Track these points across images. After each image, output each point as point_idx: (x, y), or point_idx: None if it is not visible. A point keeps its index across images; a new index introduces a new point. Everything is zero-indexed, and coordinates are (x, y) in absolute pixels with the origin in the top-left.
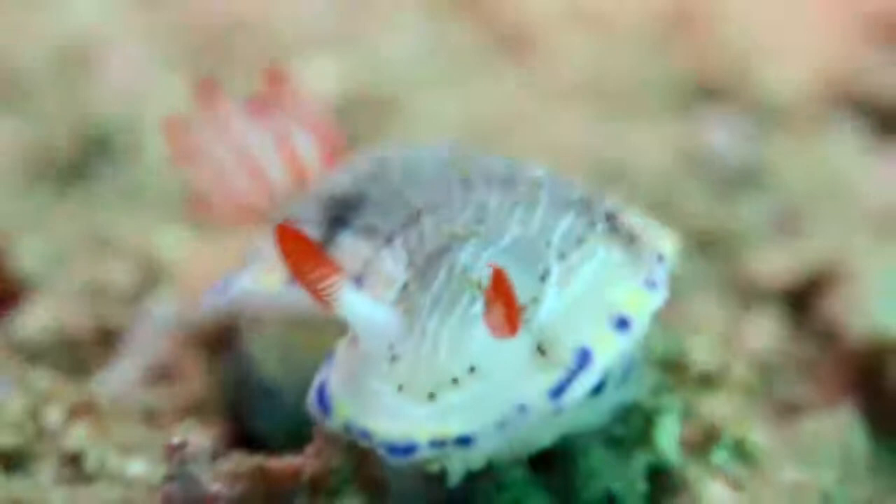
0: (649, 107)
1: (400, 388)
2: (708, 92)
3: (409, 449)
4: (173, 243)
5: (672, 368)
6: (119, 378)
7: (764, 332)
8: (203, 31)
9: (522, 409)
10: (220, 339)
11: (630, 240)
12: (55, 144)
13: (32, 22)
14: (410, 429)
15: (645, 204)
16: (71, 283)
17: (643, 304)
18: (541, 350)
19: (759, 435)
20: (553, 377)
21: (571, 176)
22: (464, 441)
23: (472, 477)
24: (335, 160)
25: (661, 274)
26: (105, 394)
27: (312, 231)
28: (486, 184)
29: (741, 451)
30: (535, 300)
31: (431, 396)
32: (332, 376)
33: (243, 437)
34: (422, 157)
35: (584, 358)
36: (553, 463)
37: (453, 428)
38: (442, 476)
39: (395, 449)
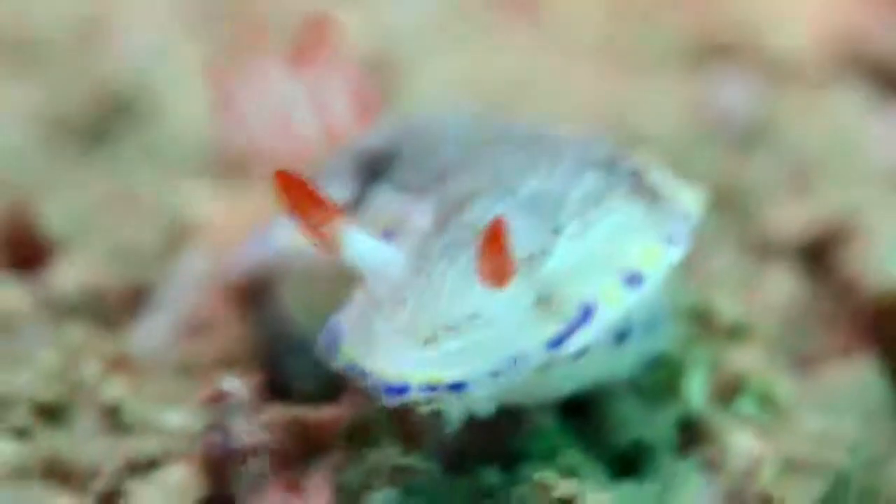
0: (660, 66)
1: (400, 330)
2: (718, 50)
3: (402, 390)
4: (201, 200)
5: (699, 320)
6: (153, 332)
7: (782, 286)
8: None
9: (518, 358)
10: (253, 293)
11: (653, 197)
12: (76, 108)
13: None
14: (405, 371)
15: (659, 162)
16: (99, 241)
17: (659, 260)
18: (542, 302)
19: (783, 385)
20: (552, 328)
21: (598, 135)
22: (456, 387)
23: (506, 426)
24: (368, 118)
25: (683, 230)
26: (139, 347)
27: (346, 186)
28: (512, 143)
29: (767, 401)
30: (544, 252)
31: (429, 341)
32: (344, 317)
33: (277, 390)
34: (450, 119)
35: (587, 312)
36: (585, 412)
37: (447, 374)
38: (478, 426)
39: (389, 389)
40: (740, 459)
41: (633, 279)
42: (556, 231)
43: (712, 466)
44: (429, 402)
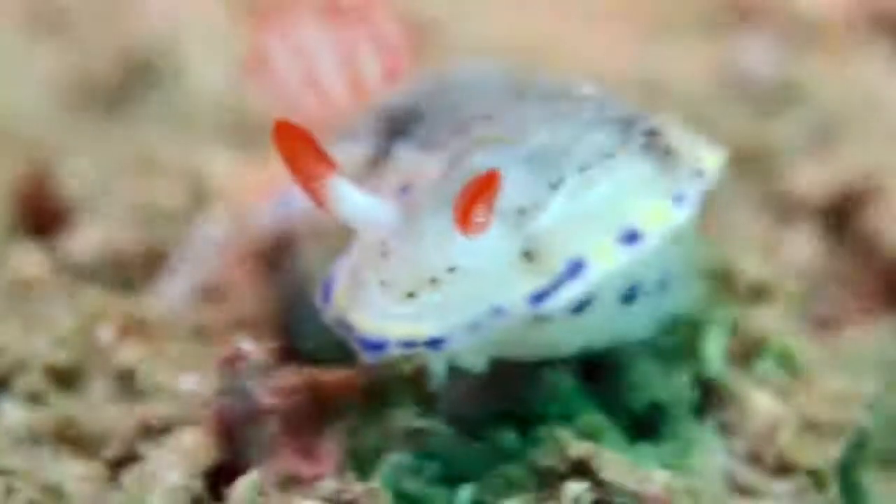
0: (685, 27)
1: (383, 283)
2: (742, 12)
3: (380, 345)
4: (221, 163)
5: (720, 281)
6: (170, 295)
7: (803, 246)
8: None
9: (498, 311)
10: (272, 256)
11: (667, 156)
12: (99, 70)
13: None
14: (384, 325)
15: (682, 123)
16: (119, 204)
17: (662, 218)
18: (528, 256)
19: (803, 346)
20: (535, 282)
21: (621, 94)
22: (434, 343)
23: (522, 388)
24: (397, 76)
25: (693, 189)
26: (156, 311)
27: (369, 143)
28: (534, 98)
29: (786, 362)
30: (537, 206)
31: (410, 295)
32: (338, 268)
33: (294, 354)
34: (479, 74)
35: (575, 267)
36: (602, 374)
37: (424, 329)
38: (494, 387)
39: (367, 344)
40: (759, 421)
41: (631, 237)
42: (555, 186)
43: (731, 428)
44: (409, 358)
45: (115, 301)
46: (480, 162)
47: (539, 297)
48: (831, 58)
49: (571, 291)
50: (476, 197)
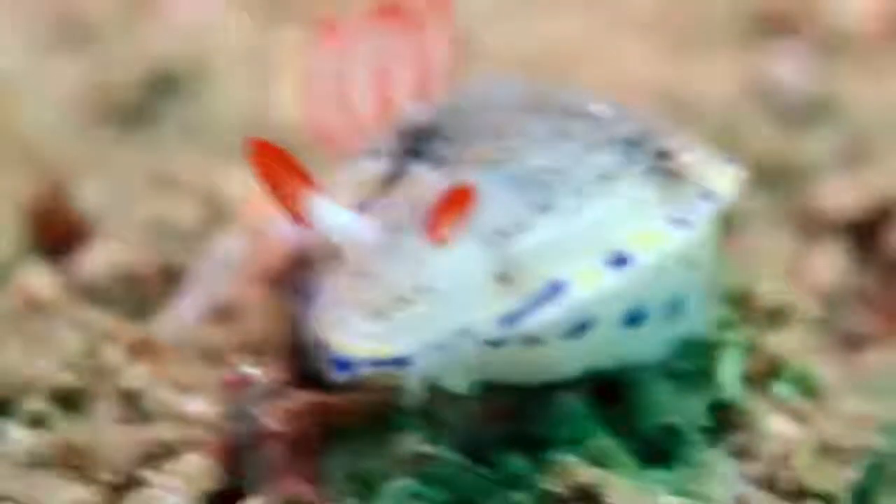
0: (716, 40)
1: (357, 302)
2: (774, 24)
3: (349, 365)
4: (239, 180)
5: (738, 302)
6: (181, 316)
7: (829, 264)
8: None
9: (465, 332)
10: (285, 277)
11: (674, 178)
12: (120, 85)
13: None
14: (353, 344)
15: (710, 137)
16: (135, 221)
17: (656, 241)
18: (503, 278)
19: (822, 368)
20: (508, 304)
21: (640, 109)
22: (400, 362)
23: (532, 411)
24: (429, 92)
25: (697, 212)
26: (166, 332)
27: (388, 162)
28: (546, 116)
29: (804, 385)
30: (519, 227)
31: (379, 314)
32: (325, 287)
33: (305, 377)
34: (497, 89)
35: (554, 289)
36: (614, 397)
37: (390, 348)
38: (502, 410)
39: (337, 362)
40: (774, 444)
41: (619, 260)
42: (543, 208)
43: (745, 452)
44: (381, 377)
45: (124, 322)
46: (465, 180)
47: (510, 320)
48: (864, 70)
49: (548, 314)
50: (446, 209)
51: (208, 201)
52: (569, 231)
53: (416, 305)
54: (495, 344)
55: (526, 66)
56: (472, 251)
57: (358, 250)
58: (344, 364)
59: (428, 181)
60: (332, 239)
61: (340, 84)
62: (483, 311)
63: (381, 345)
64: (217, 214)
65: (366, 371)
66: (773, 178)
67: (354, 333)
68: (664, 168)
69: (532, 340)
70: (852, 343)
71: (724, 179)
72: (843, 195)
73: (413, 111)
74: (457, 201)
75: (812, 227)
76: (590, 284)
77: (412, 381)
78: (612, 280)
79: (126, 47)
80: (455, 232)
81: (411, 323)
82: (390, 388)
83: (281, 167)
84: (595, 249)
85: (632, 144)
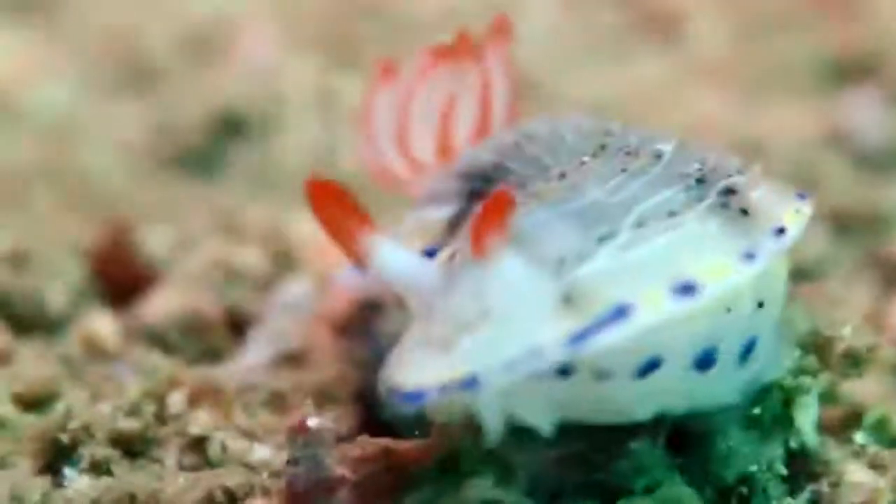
0: (791, 87)
1: (424, 341)
2: (851, 71)
3: (417, 396)
4: (306, 226)
5: (815, 348)
6: (248, 363)
7: None
8: (335, 11)
9: (534, 351)
10: (353, 323)
11: (740, 216)
12: (185, 129)
13: (162, 4)
14: (421, 376)
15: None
16: (200, 267)
17: (724, 273)
18: (567, 300)
19: None
20: (575, 323)
21: (709, 146)
22: (469, 384)
23: (605, 458)
24: (488, 132)
25: (765, 246)
26: (232, 379)
27: (452, 205)
28: (613, 154)
29: (883, 433)
30: (580, 257)
31: (446, 345)
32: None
33: (373, 424)
34: (565, 127)
35: (618, 312)
36: (689, 443)
37: (457, 371)
38: (576, 457)
39: (406, 397)
40: (853, 494)
41: (685, 288)
42: (604, 239)
43: (824, 501)
44: (447, 407)
45: (188, 367)
46: (524, 216)
47: (576, 339)
48: None
49: (613, 336)
50: (485, 221)
51: (274, 247)
52: (632, 260)
53: (481, 329)
54: (565, 372)
55: (599, 111)
56: (534, 275)
57: (422, 296)
58: (413, 396)
59: None
60: (394, 283)
61: (400, 126)
62: (548, 333)
63: (449, 370)
64: (284, 260)
65: (435, 398)
66: (850, 225)
67: (422, 367)
68: (731, 204)
69: (602, 375)
70: None
71: (793, 215)
72: None
73: (476, 153)
74: (494, 210)
75: (890, 274)
76: (655, 310)
77: (488, 414)
78: (677, 307)
79: (191, 91)
80: (499, 242)
81: (477, 346)
82: (461, 433)
83: (341, 208)
84: (660, 277)
85: (698, 181)
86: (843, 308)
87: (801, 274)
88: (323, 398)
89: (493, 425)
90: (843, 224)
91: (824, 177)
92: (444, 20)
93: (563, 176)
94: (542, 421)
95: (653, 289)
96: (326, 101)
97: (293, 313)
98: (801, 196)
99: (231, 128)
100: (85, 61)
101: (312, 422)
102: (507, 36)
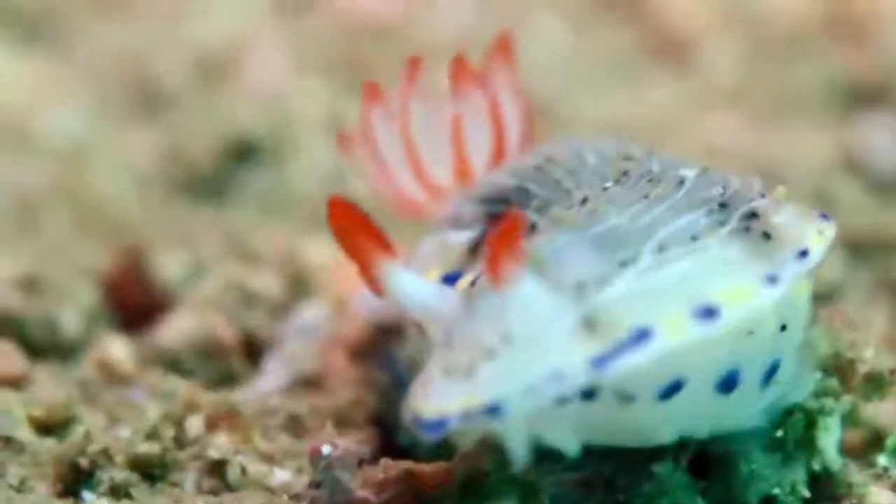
0: (806, 111)
1: (446, 370)
2: (865, 96)
3: (440, 424)
4: (319, 250)
5: (837, 370)
6: (264, 387)
7: None
8: (345, 35)
9: (556, 375)
10: (368, 347)
11: (764, 240)
12: (197, 153)
13: (172, 30)
14: (444, 404)
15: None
16: (215, 292)
17: (746, 297)
18: (589, 324)
19: None
20: (597, 346)
21: (729, 172)
22: (492, 410)
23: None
24: (505, 155)
25: (787, 269)
26: (249, 402)
27: (472, 229)
28: (635, 180)
29: None
30: (600, 281)
31: (468, 372)
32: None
33: (390, 448)
34: (587, 150)
35: (640, 335)
36: (712, 466)
37: (480, 397)
38: (599, 479)
39: (429, 425)
40: None
41: (707, 312)
42: (625, 264)
43: None
44: (469, 433)
45: (206, 391)
46: (543, 242)
47: (598, 363)
48: None
49: (635, 358)
50: (499, 246)
51: (288, 271)
52: (653, 283)
53: (502, 356)
54: (589, 396)
55: (614, 134)
56: (555, 300)
57: (442, 322)
58: (436, 425)
59: None
60: (415, 312)
61: (408, 151)
62: (570, 357)
63: (470, 397)
64: (297, 284)
65: (458, 425)
66: (867, 249)
67: (444, 395)
68: (754, 228)
69: (625, 398)
70: None
71: (816, 236)
72: None
73: (496, 176)
74: (506, 234)
75: None
76: (676, 333)
77: (513, 439)
78: (698, 331)
79: (203, 116)
80: (515, 267)
81: (499, 372)
82: (483, 455)
83: (361, 231)
84: (681, 301)
85: (721, 205)
86: (863, 331)
87: (817, 298)
88: (339, 421)
89: (519, 450)
90: (858, 248)
91: (838, 202)
92: (455, 44)
93: (584, 201)
94: (569, 444)
95: (674, 312)
96: (337, 125)
97: (308, 337)
98: (825, 217)
99: (242, 153)
100: (97, 87)
101: (333, 446)
102: (510, 53)
